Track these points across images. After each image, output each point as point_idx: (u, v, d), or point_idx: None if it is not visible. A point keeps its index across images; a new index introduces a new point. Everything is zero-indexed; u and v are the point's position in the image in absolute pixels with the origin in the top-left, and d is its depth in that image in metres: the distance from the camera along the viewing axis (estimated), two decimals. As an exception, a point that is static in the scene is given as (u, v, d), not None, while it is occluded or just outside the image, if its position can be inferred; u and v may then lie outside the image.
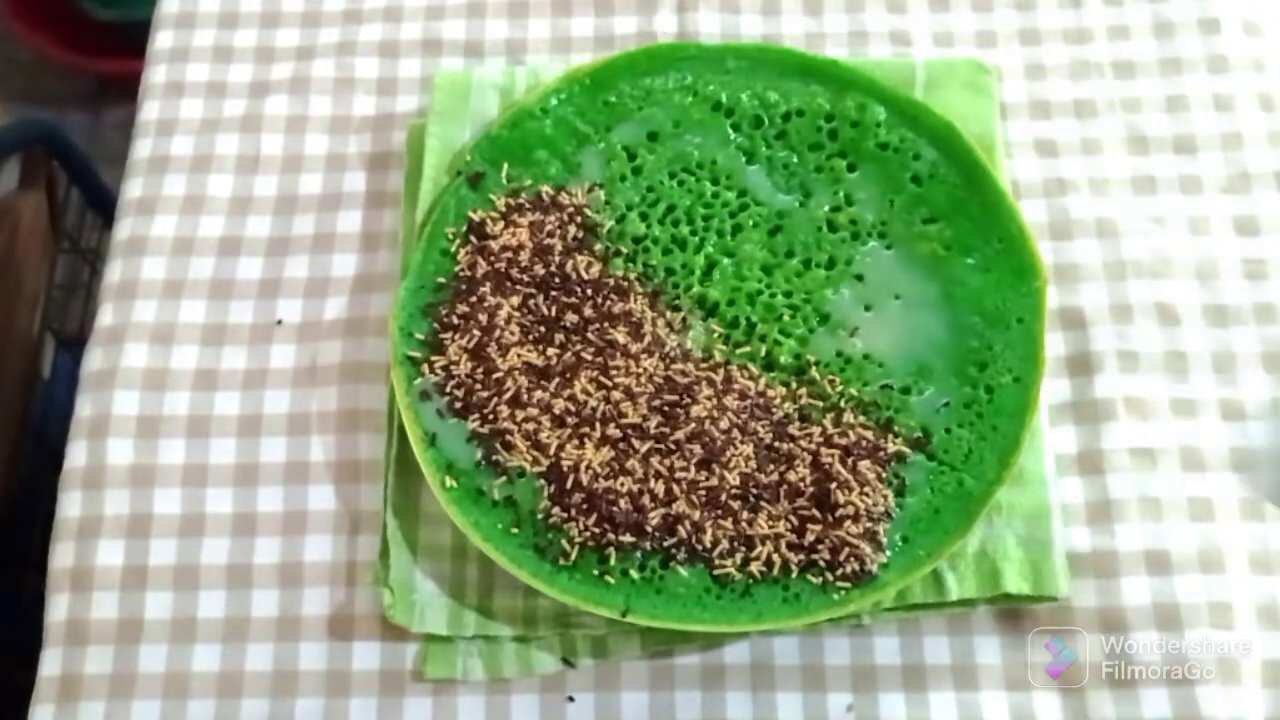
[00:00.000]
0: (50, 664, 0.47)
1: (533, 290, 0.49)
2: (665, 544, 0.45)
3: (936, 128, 0.51)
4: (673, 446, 0.46)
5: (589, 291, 0.49)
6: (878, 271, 0.50)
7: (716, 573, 0.45)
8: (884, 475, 0.46)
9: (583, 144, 0.52)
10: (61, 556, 0.49)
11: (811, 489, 0.46)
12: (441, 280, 0.50)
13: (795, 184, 0.52)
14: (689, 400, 0.47)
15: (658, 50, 0.53)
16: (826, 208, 0.51)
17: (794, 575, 0.45)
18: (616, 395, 0.47)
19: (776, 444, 0.47)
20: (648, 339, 0.48)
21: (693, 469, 0.46)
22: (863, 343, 0.49)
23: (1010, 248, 0.49)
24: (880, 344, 0.49)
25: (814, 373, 0.48)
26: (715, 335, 0.49)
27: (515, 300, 0.49)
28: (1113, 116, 0.56)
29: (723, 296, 0.50)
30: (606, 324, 0.49)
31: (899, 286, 0.50)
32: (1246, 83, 0.56)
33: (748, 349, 0.49)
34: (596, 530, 0.45)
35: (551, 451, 0.46)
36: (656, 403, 0.47)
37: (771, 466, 0.46)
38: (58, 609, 0.48)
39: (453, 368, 0.48)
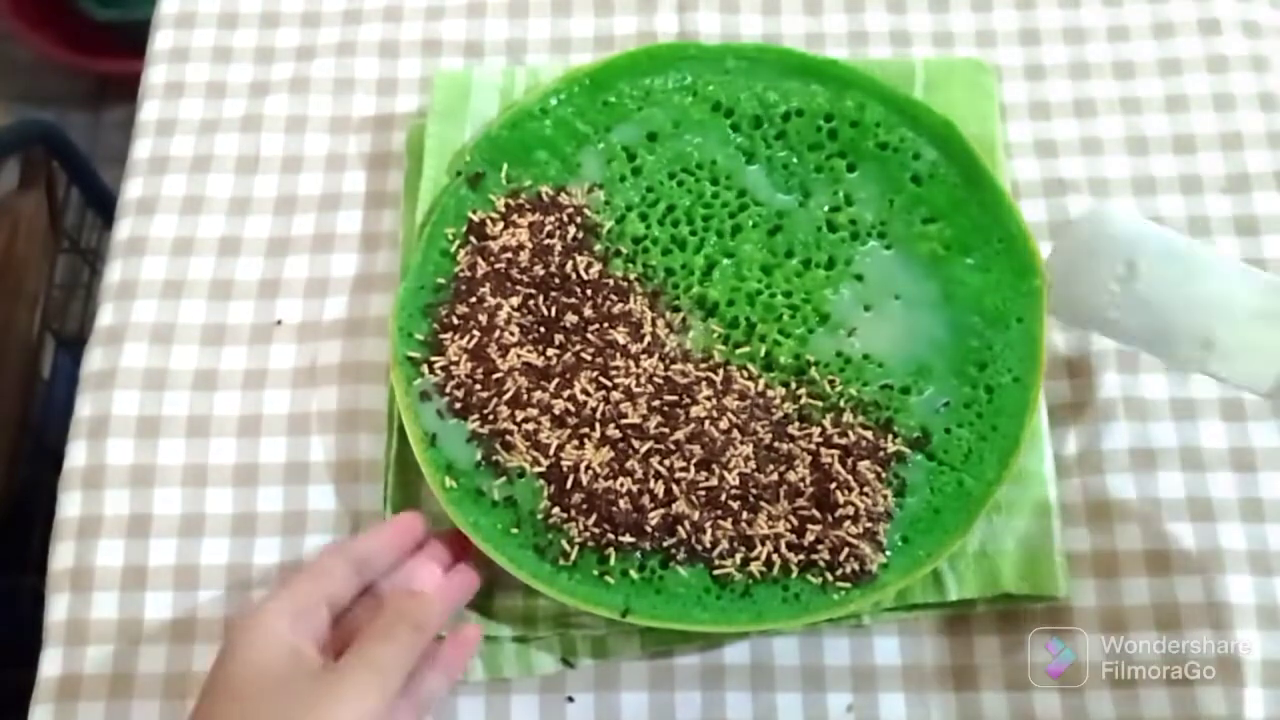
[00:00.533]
0: (50, 664, 0.47)
1: (532, 291, 0.49)
2: (665, 544, 0.45)
3: (936, 127, 0.51)
4: (672, 447, 0.46)
5: (589, 292, 0.49)
6: (877, 271, 0.50)
7: (716, 573, 0.45)
8: (884, 475, 0.46)
9: (582, 144, 0.52)
10: (61, 556, 0.49)
11: (811, 489, 0.46)
12: (441, 281, 0.50)
13: (795, 184, 0.52)
14: (689, 400, 0.47)
15: (658, 50, 0.53)
16: (826, 208, 0.51)
17: (794, 575, 0.45)
18: (616, 396, 0.47)
19: (776, 444, 0.47)
20: (647, 339, 0.48)
21: (692, 469, 0.46)
22: (862, 343, 0.49)
23: (1010, 247, 0.49)
24: (880, 344, 0.49)
25: (814, 373, 0.48)
26: (715, 335, 0.49)
27: (515, 301, 0.49)
28: (1112, 116, 0.56)
29: (722, 297, 0.50)
30: (606, 324, 0.49)
31: (899, 286, 0.50)
32: (1246, 83, 0.56)
33: (747, 349, 0.49)
34: (596, 530, 0.45)
35: (551, 452, 0.46)
36: (656, 403, 0.47)
37: (771, 467, 0.46)
38: (58, 609, 0.48)
39: (453, 368, 0.48)
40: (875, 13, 0.59)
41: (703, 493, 0.46)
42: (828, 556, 0.45)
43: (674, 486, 0.46)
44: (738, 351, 0.49)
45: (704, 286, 0.50)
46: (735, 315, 0.49)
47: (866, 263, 0.50)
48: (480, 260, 0.49)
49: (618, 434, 0.46)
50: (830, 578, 0.45)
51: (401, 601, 0.41)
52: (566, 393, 0.47)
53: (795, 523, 0.45)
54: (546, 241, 0.50)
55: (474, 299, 0.49)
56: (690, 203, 0.51)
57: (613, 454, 0.46)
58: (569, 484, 0.45)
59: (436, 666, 0.42)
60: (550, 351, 0.48)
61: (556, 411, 0.47)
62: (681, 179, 0.52)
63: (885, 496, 0.46)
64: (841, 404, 0.48)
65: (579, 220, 0.51)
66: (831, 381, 0.48)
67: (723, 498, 0.45)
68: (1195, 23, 0.58)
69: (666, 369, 0.48)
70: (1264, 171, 0.55)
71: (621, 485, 0.45)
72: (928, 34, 0.58)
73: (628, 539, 0.45)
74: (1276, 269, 0.52)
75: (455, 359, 0.48)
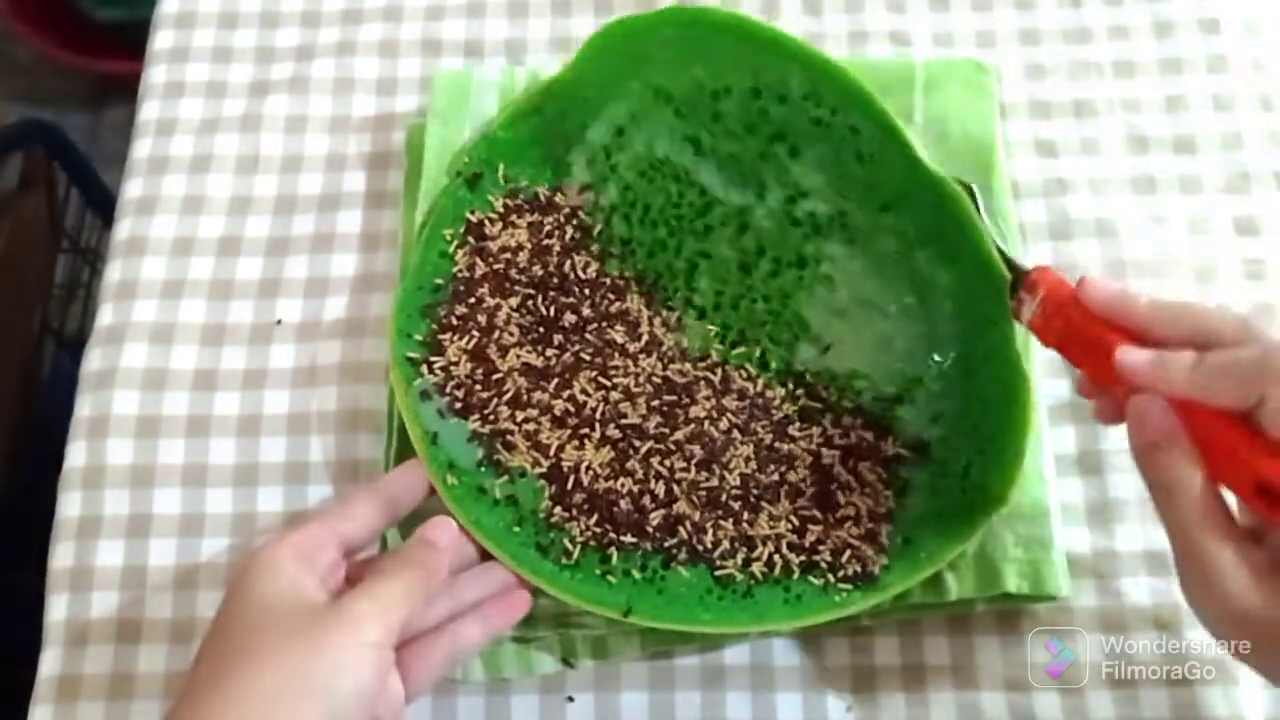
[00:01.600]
0: (50, 664, 0.47)
1: (531, 291, 0.49)
2: (666, 544, 0.45)
3: (855, 92, 0.47)
4: (673, 447, 0.46)
5: (587, 291, 0.49)
6: (844, 275, 0.48)
7: (718, 573, 0.45)
8: (884, 476, 0.46)
9: (571, 145, 0.52)
10: (61, 556, 0.49)
11: (812, 489, 0.46)
12: (440, 281, 0.50)
13: (748, 175, 0.50)
14: (688, 400, 0.47)
15: (610, 31, 0.50)
16: (782, 199, 0.49)
17: (795, 576, 0.45)
18: (616, 395, 0.47)
19: (776, 444, 0.47)
20: (645, 338, 0.48)
21: (693, 469, 0.46)
22: (843, 360, 0.48)
23: (961, 234, 0.45)
24: (862, 359, 0.48)
25: (808, 378, 0.48)
26: (711, 334, 0.49)
27: (514, 301, 0.49)
28: (1113, 116, 0.56)
29: (709, 301, 0.49)
30: (604, 324, 0.49)
31: (869, 292, 0.48)
32: (1246, 83, 0.56)
33: (743, 350, 0.49)
34: (598, 530, 0.45)
35: (552, 452, 0.46)
36: (656, 403, 0.47)
37: (772, 467, 0.46)
38: (58, 609, 0.48)
39: (452, 369, 0.48)
40: (875, 13, 0.59)
41: (703, 493, 0.45)
42: (829, 558, 0.45)
43: (675, 487, 0.46)
44: (734, 352, 0.49)
45: (690, 290, 0.50)
46: (725, 320, 0.49)
47: (834, 265, 0.49)
48: (479, 261, 0.49)
49: (618, 434, 0.46)
50: (832, 579, 0.45)
51: (411, 545, 0.42)
52: (566, 393, 0.47)
53: (796, 523, 0.45)
54: (545, 242, 0.50)
55: (473, 299, 0.49)
56: (662, 203, 0.51)
57: (613, 454, 0.46)
58: (570, 484, 0.45)
59: (478, 618, 0.43)
60: (550, 351, 0.48)
61: (556, 412, 0.47)
62: (650, 176, 0.51)
63: (886, 497, 0.46)
64: (840, 406, 0.48)
65: (575, 221, 0.51)
66: (826, 389, 0.48)
67: (723, 498, 0.45)
68: (1195, 23, 0.58)
69: (665, 368, 0.48)
70: (1264, 171, 0.55)
71: (622, 485, 0.45)
72: (928, 34, 0.58)
73: (629, 539, 0.45)
74: (1277, 269, 0.52)
75: (455, 360, 0.48)
